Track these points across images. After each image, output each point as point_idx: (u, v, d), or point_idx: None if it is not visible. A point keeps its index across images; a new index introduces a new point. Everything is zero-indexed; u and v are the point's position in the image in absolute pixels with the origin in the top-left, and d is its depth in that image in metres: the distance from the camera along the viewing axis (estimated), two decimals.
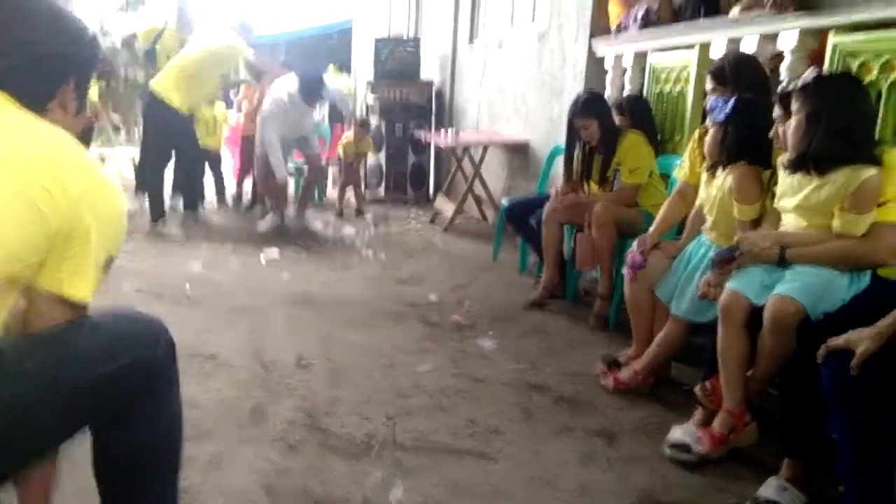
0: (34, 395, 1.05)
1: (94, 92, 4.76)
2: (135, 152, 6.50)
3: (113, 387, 1.14)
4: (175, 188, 5.38)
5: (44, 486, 1.27)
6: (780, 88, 2.26)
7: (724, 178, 2.42)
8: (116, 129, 9.31)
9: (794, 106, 2.06)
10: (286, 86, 5.05)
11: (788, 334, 1.90)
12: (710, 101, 2.53)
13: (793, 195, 2.09)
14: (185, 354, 2.64)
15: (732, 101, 2.37)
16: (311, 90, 5.01)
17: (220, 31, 5.11)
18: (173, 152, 5.07)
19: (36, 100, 1.19)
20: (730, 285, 2.09)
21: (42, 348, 1.10)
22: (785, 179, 2.12)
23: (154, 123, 4.99)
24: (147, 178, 5.16)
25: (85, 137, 4.54)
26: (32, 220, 1.04)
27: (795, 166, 2.05)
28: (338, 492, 1.82)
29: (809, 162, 2.00)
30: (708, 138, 2.50)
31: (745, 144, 2.37)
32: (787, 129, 2.09)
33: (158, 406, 1.23)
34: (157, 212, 4.91)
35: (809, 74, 2.07)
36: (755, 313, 2.01)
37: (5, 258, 1.03)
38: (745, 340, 2.05)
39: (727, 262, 2.14)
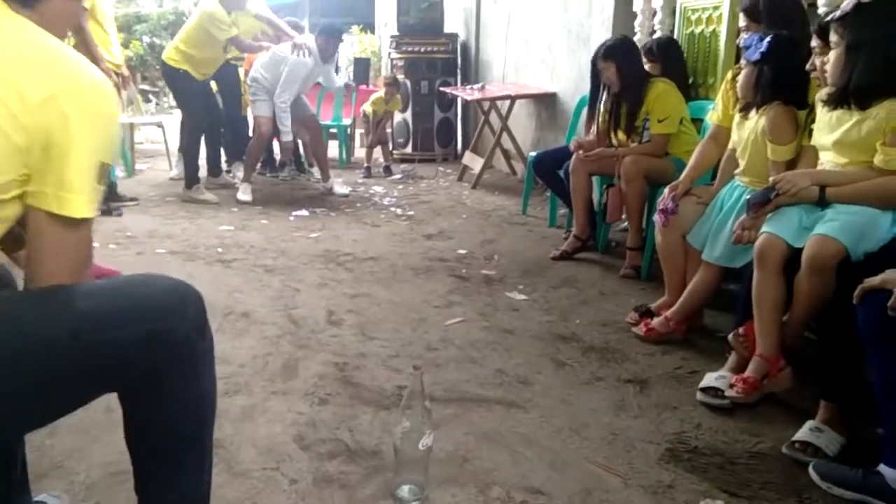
0: (25, 347, 0.98)
1: (121, 59, 4.73)
2: (163, 119, 6.55)
3: (124, 354, 1.06)
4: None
5: None
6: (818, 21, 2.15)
7: (758, 120, 2.34)
8: (146, 98, 9.40)
9: (833, 38, 1.96)
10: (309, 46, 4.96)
11: (828, 276, 1.84)
12: (744, 38, 2.43)
13: (831, 131, 2.00)
14: (219, 314, 2.68)
15: (768, 39, 2.27)
16: (330, 49, 4.90)
17: None
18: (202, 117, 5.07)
19: None
20: (766, 228, 2.02)
21: (41, 302, 1.03)
22: (823, 115, 2.04)
23: (178, 91, 5.00)
24: (183, 144, 5.20)
25: None
26: None
27: (835, 101, 1.96)
28: (368, 441, 1.84)
29: (850, 96, 1.91)
30: (741, 78, 2.40)
31: (781, 84, 2.28)
32: (826, 61, 2.00)
33: (186, 382, 1.16)
34: (192, 177, 4.94)
35: (848, 4, 1.95)
36: (792, 256, 1.95)
37: None
38: (781, 284, 1.99)
39: (763, 204, 2.06)
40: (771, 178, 2.11)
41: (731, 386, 2.05)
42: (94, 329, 1.03)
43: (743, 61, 2.41)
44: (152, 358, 1.10)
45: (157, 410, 1.15)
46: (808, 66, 2.11)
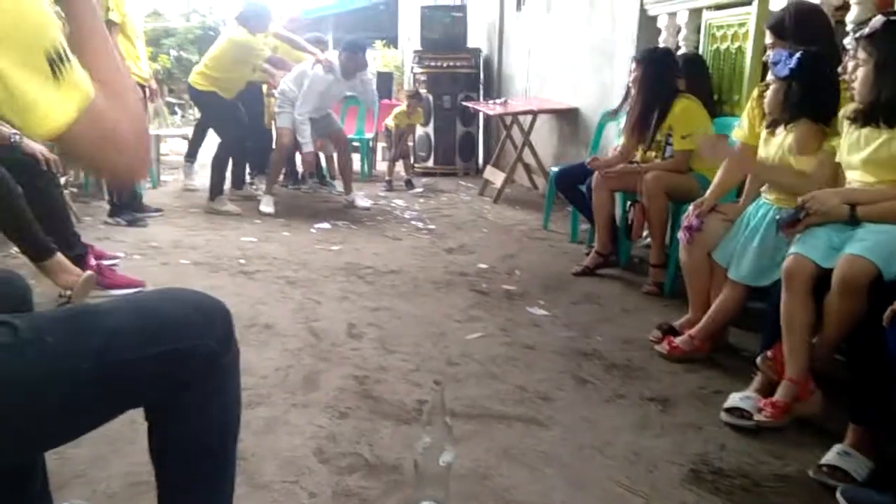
0: (49, 370, 0.96)
1: (149, 73, 4.82)
2: (188, 132, 6.63)
3: (148, 373, 1.05)
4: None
5: None
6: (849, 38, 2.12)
7: (786, 137, 2.32)
8: (172, 110, 9.54)
9: (862, 55, 1.94)
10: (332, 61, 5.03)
11: (859, 297, 1.80)
12: (773, 54, 2.41)
13: (860, 150, 1.97)
14: (241, 325, 2.69)
15: (798, 55, 2.24)
16: (351, 65, 4.98)
17: (231, 23, 5.00)
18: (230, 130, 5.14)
19: None
20: (794, 248, 1.99)
21: (65, 323, 1.01)
22: (851, 133, 2.01)
23: (208, 111, 5.12)
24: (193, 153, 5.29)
25: None
26: None
27: (863, 119, 1.93)
28: (388, 456, 1.83)
29: (878, 113, 1.88)
30: (769, 94, 2.38)
31: (810, 101, 2.26)
32: (857, 72, 1.97)
33: (210, 395, 1.14)
34: (217, 189, 5.00)
35: (877, 21, 1.93)
36: (821, 277, 1.91)
37: None
38: (810, 306, 1.95)
39: (793, 223, 2.03)
40: (800, 198, 2.09)
41: (760, 410, 2.01)
42: (119, 348, 1.01)
43: (771, 77, 2.38)
44: (177, 374, 1.09)
45: (182, 423, 1.14)
46: (839, 68, 2.08)
